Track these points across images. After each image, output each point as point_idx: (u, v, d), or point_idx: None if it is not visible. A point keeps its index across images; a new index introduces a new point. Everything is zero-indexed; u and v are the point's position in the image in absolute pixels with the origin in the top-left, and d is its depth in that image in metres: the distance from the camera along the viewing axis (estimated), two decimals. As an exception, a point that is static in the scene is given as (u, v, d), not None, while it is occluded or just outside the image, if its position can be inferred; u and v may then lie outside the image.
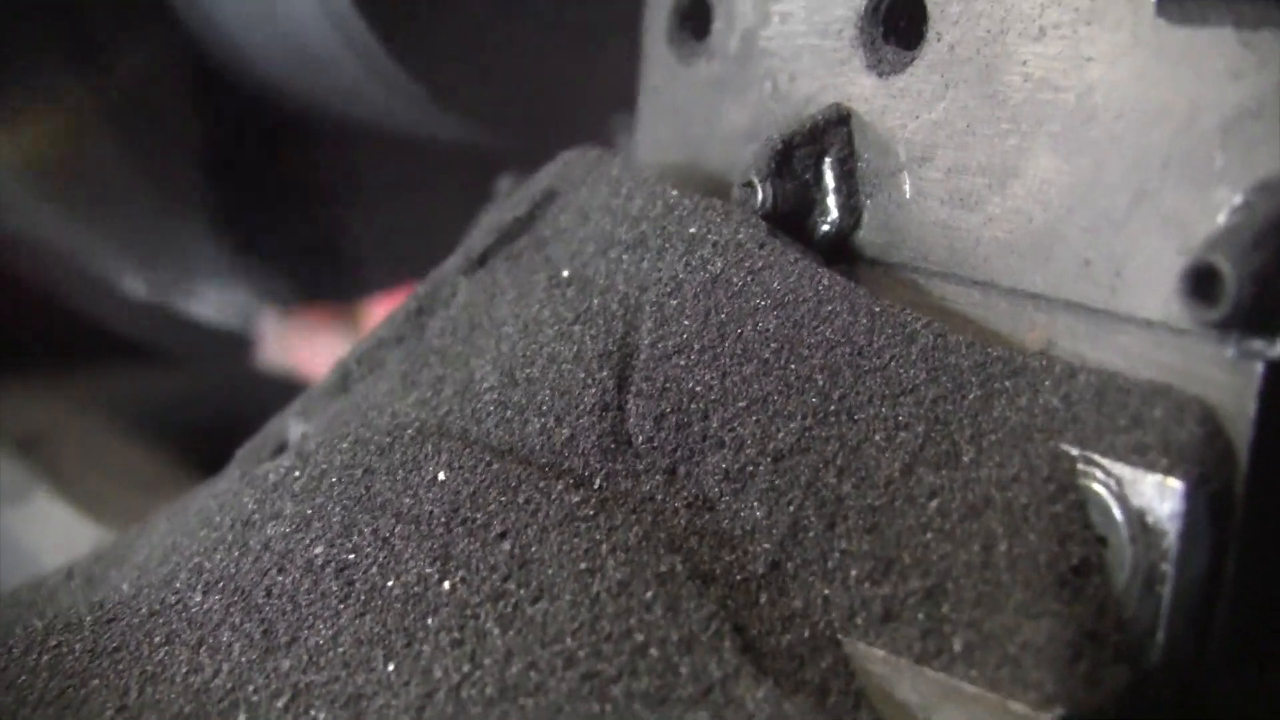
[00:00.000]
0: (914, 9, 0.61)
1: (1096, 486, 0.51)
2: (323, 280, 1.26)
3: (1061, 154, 0.55)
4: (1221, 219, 0.50)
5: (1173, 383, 0.52)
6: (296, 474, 0.61)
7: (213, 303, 1.18)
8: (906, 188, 0.61)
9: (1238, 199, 0.50)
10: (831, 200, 0.63)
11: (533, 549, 0.53)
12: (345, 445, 0.60)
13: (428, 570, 0.54)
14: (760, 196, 0.62)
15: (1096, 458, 0.51)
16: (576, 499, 0.54)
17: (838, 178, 0.63)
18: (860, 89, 0.63)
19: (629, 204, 0.64)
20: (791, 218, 0.62)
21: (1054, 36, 0.56)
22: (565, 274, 0.63)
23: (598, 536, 0.53)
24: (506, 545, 0.54)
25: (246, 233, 1.19)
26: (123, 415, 1.20)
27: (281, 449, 0.71)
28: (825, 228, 0.63)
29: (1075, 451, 0.52)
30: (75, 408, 1.19)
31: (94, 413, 1.20)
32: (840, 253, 0.63)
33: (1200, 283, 0.49)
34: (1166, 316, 0.52)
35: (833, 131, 0.63)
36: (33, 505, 1.07)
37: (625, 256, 0.62)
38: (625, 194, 0.64)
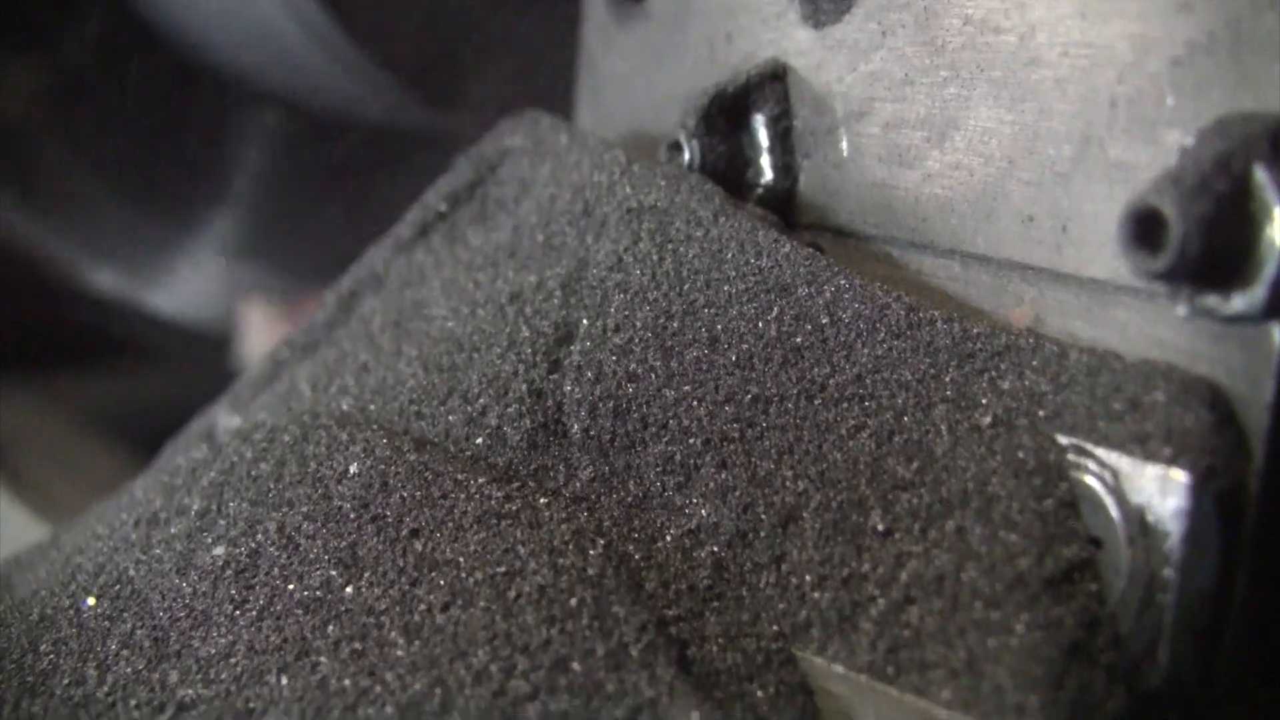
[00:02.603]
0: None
1: (1089, 480, 0.45)
2: (310, 269, 1.21)
3: (1003, 102, 0.51)
4: (1173, 163, 0.45)
5: (1177, 362, 0.46)
6: (206, 467, 0.56)
7: (183, 297, 1.12)
8: (843, 145, 0.57)
9: (1189, 142, 0.45)
10: (765, 160, 0.59)
11: (446, 550, 0.47)
12: (258, 437, 0.55)
13: (332, 572, 0.48)
14: (687, 155, 0.58)
15: (1089, 447, 0.45)
16: (498, 495, 0.48)
17: (772, 136, 0.59)
18: (796, 43, 0.59)
19: (574, 171, 0.58)
20: (723, 179, 0.58)
21: None
22: (503, 249, 0.58)
23: (519, 536, 0.47)
24: (418, 545, 0.48)
25: (226, 223, 1.14)
26: (89, 416, 1.15)
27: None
28: (759, 189, 0.59)
29: (1065, 440, 0.46)
30: (38, 409, 1.14)
31: (58, 414, 1.15)
32: (778, 216, 0.58)
33: (1142, 229, 0.43)
34: (1113, 275, 0.48)
35: (767, 88, 0.59)
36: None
37: (568, 228, 0.56)
38: (571, 161, 0.58)
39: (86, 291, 1.09)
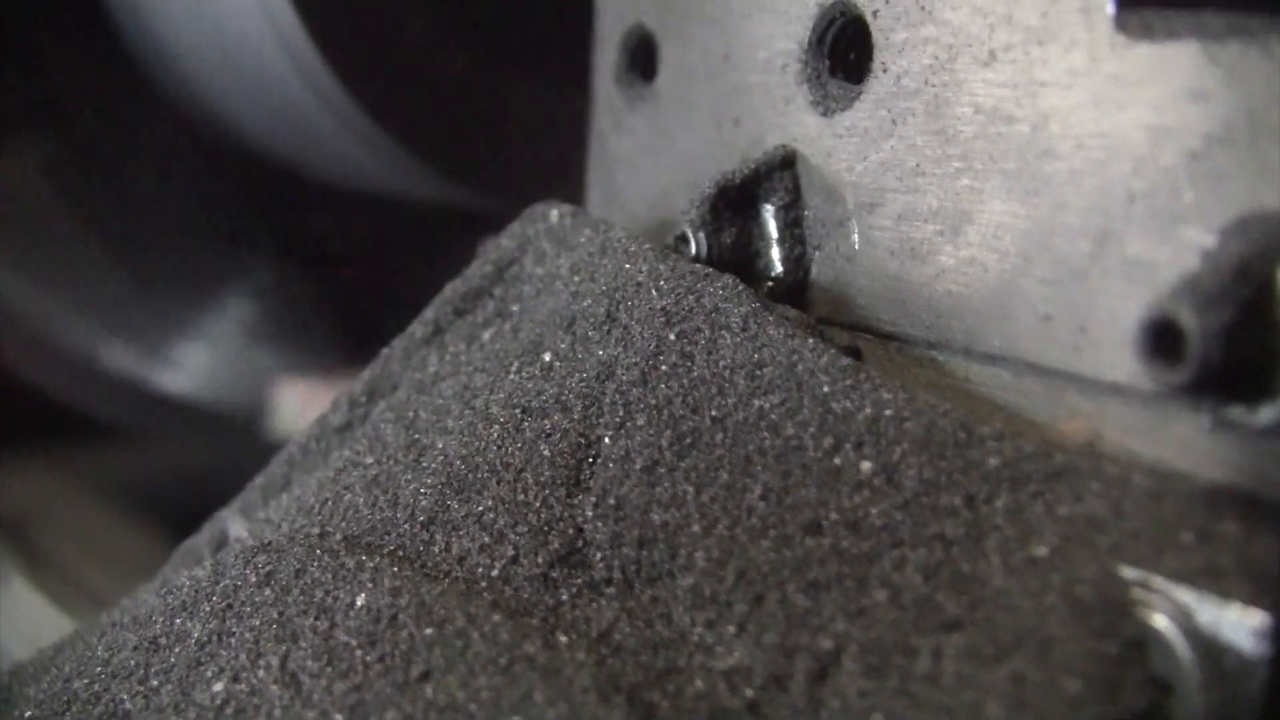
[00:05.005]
0: (859, 38, 0.54)
1: (1157, 619, 0.42)
2: (343, 346, 1.18)
3: (1016, 195, 0.49)
4: (1193, 263, 0.42)
5: (1246, 485, 0.42)
6: (208, 590, 0.53)
7: (200, 378, 1.10)
8: (855, 237, 0.55)
9: (1209, 241, 0.42)
10: (775, 252, 0.57)
11: (458, 694, 0.44)
12: (261, 560, 0.52)
13: (336, 717, 0.45)
14: (694, 248, 0.55)
15: (1157, 582, 0.42)
16: (514, 634, 0.45)
17: (781, 227, 0.57)
18: (805, 129, 0.57)
19: (597, 270, 0.54)
20: (731, 271, 0.54)
21: (1004, 61, 0.49)
22: (521, 354, 0.54)
23: (535, 681, 0.43)
24: (428, 690, 0.44)
25: (254, 300, 1.13)
26: (114, 497, 1.13)
27: (220, 549, 0.63)
28: (770, 283, 0.56)
29: (1130, 574, 0.42)
30: (62, 489, 1.12)
31: (83, 494, 1.12)
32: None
33: (1160, 339, 0.41)
34: (1134, 380, 0.45)
35: (776, 176, 0.56)
36: (6, 593, 1.00)
37: (590, 333, 0.53)
38: (594, 259, 0.55)
39: (107, 368, 1.07)
